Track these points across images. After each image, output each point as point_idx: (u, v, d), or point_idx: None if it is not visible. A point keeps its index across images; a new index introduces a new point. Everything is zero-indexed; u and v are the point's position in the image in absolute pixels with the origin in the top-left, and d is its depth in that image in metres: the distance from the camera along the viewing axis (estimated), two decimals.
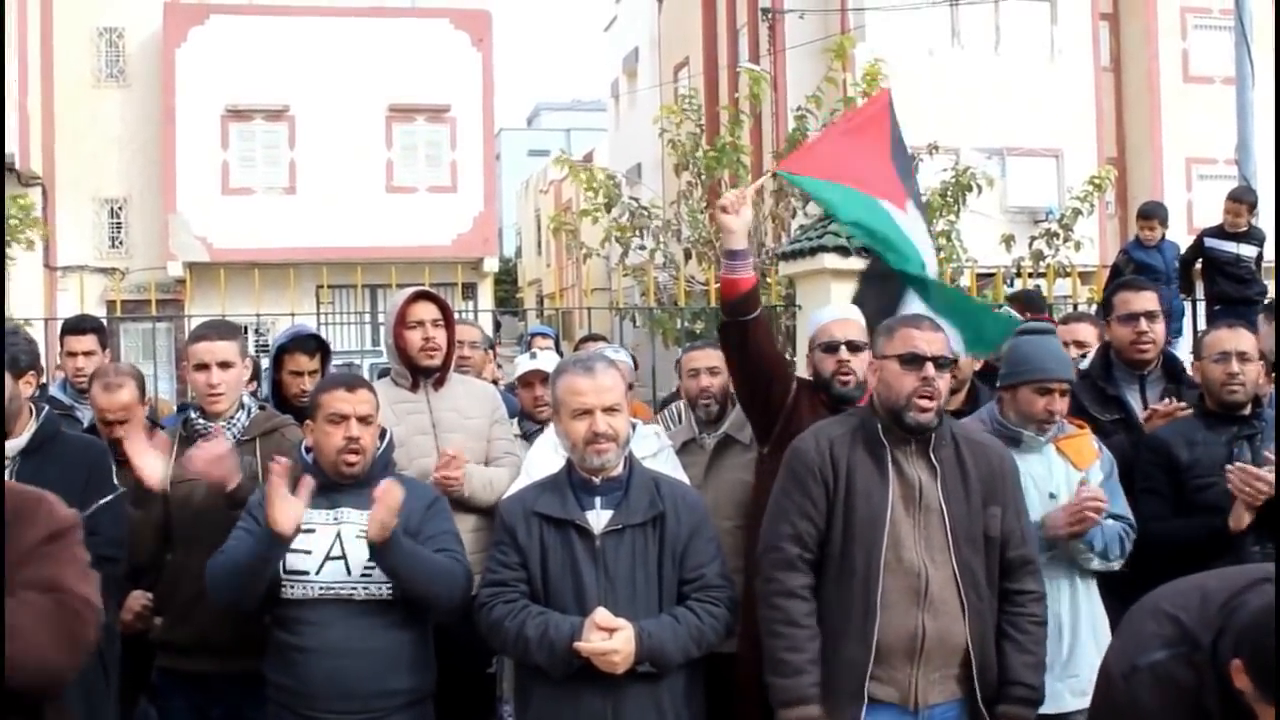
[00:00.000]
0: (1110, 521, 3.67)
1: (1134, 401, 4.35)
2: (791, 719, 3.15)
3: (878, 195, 4.27)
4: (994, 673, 3.22)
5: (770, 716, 3.27)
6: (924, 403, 3.18)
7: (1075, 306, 9.03)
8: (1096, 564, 3.66)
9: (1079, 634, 3.66)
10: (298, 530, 3.33)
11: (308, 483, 3.34)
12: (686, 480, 4.25)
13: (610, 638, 3.14)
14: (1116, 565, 3.68)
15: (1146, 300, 4.47)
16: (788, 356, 6.61)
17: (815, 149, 4.58)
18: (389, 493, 3.28)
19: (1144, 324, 4.40)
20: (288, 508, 3.28)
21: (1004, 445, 3.52)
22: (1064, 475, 3.74)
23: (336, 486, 3.51)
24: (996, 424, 3.81)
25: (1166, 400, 4.28)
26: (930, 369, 3.18)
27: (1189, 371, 4.47)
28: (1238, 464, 3.73)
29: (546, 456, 3.99)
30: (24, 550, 2.28)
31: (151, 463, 3.68)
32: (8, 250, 14.75)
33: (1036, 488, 3.69)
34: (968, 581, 3.17)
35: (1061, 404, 3.77)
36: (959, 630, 3.15)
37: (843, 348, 3.99)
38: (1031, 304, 7.50)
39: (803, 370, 4.39)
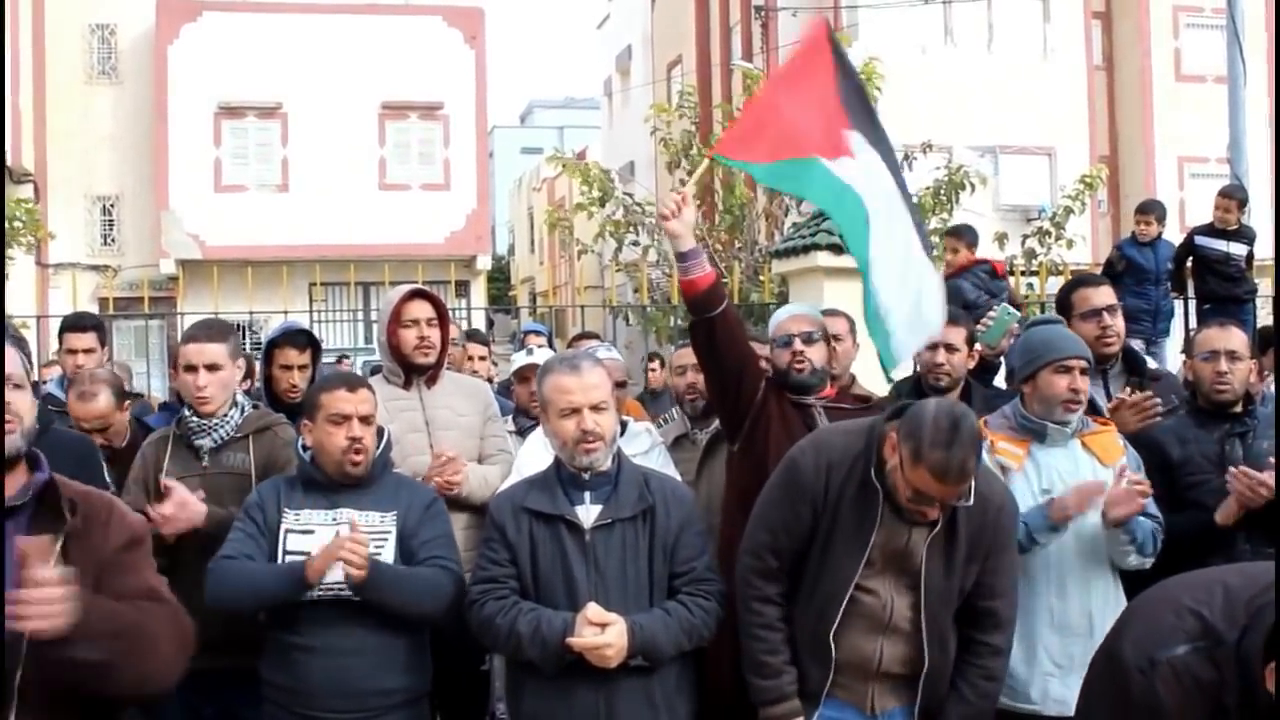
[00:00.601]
0: (1143, 519, 3.66)
1: (1098, 397, 4.36)
2: (775, 715, 3.22)
3: (815, 153, 4.14)
4: (943, 692, 3.25)
5: (744, 706, 3.31)
6: (927, 515, 3.14)
7: None
8: (1133, 559, 3.64)
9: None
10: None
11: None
12: (679, 477, 4.26)
13: (602, 632, 3.15)
14: (1148, 563, 3.66)
15: (1105, 295, 4.52)
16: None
17: (745, 123, 4.38)
18: (352, 548, 3.28)
19: (1106, 318, 4.45)
20: (329, 564, 3.32)
21: (1005, 490, 3.44)
22: (1090, 471, 3.71)
23: (336, 487, 3.51)
24: (1020, 418, 3.79)
25: (1129, 390, 4.29)
26: (937, 507, 3.10)
27: (1152, 365, 4.48)
28: (1241, 468, 3.71)
29: (538, 454, 4.00)
30: (105, 557, 2.29)
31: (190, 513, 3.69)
32: (7, 251, 14.71)
33: (1063, 481, 3.67)
34: (932, 632, 3.18)
35: (1083, 382, 3.75)
36: (917, 659, 3.19)
37: (796, 340, 4.01)
38: (965, 235, 8.23)
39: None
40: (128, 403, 4.61)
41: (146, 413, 5.73)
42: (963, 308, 7.90)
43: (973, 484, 3.08)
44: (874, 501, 3.15)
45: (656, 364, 8.55)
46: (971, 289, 7.94)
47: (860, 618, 3.16)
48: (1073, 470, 3.71)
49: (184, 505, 3.69)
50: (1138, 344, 7.66)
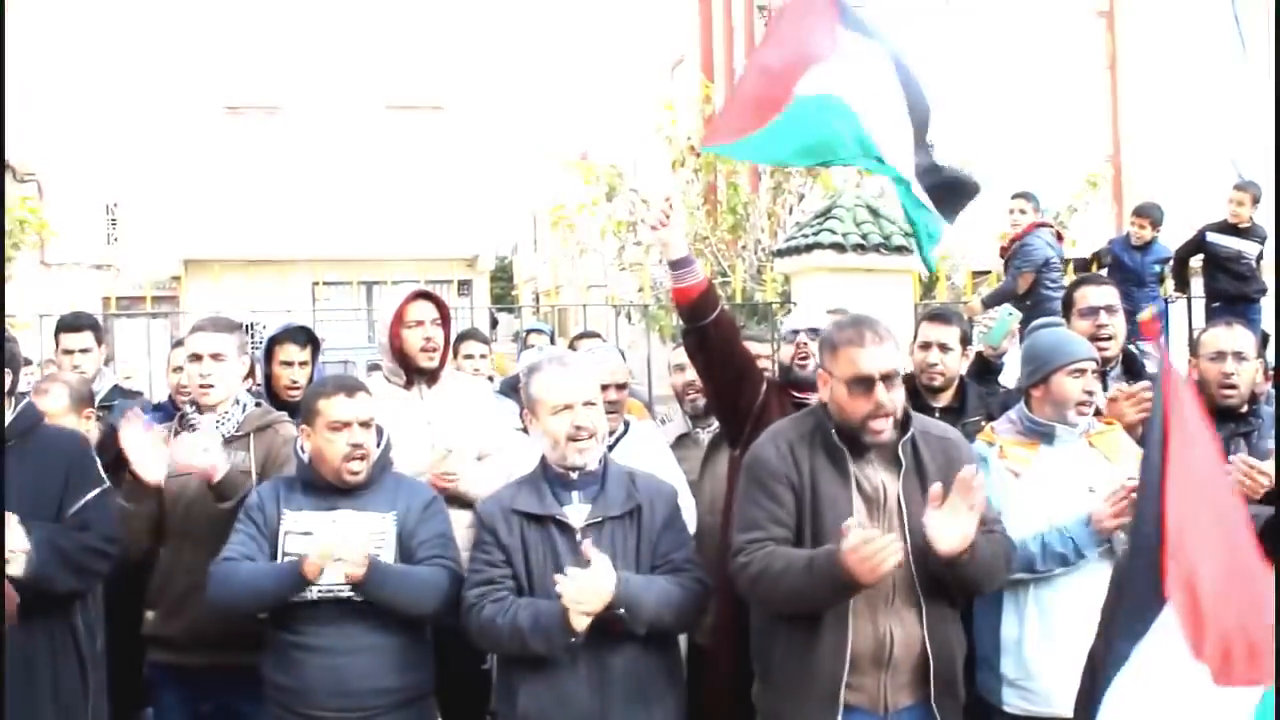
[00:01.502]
0: None
1: (1097, 399, 4.34)
2: (840, 567, 2.92)
3: (795, 87, 4.02)
4: (953, 677, 3.21)
5: (740, 708, 3.28)
6: (879, 424, 3.11)
7: None
8: None
9: None
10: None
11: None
12: (682, 476, 4.25)
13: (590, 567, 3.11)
14: None
15: (1106, 295, 4.51)
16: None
17: (729, 103, 4.22)
18: (348, 548, 3.29)
19: (1103, 317, 4.44)
20: (326, 562, 3.31)
21: (963, 437, 3.46)
22: (1098, 471, 3.70)
23: (334, 489, 3.50)
24: (1028, 421, 3.77)
25: (1122, 387, 4.26)
26: (880, 391, 3.08)
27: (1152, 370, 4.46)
28: (1240, 455, 3.72)
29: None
30: None
31: (151, 459, 3.65)
32: (8, 250, 14.71)
33: (1072, 482, 3.65)
34: (924, 582, 3.11)
35: (1095, 383, 3.77)
36: (919, 634, 3.12)
37: (802, 333, 4.04)
38: (1030, 198, 8.34)
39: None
40: (89, 411, 4.54)
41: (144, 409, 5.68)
42: (1043, 263, 8.05)
43: (899, 363, 3.14)
44: (843, 463, 3.15)
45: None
46: (1044, 246, 8.05)
47: (864, 599, 3.06)
48: (1082, 471, 3.69)
49: (201, 449, 3.68)
50: None
